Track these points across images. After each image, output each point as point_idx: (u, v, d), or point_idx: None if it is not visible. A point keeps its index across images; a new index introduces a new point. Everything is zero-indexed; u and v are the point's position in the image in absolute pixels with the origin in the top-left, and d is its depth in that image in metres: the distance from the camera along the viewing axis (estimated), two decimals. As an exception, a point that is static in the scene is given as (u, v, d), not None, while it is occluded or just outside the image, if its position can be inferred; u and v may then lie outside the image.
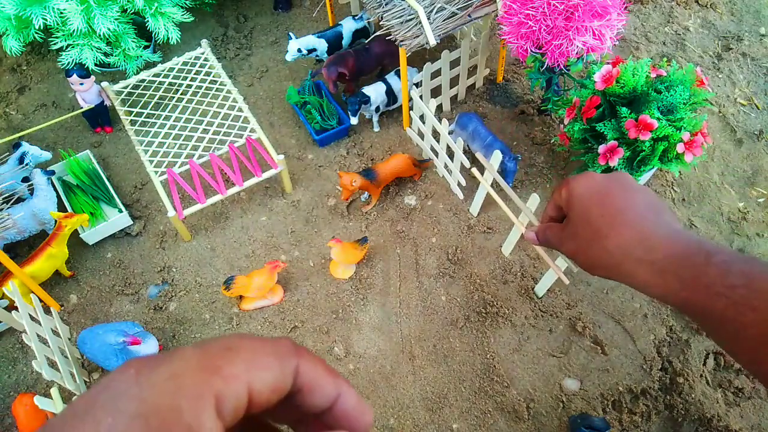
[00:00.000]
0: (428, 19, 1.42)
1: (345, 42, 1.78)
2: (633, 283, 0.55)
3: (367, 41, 1.77)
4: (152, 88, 1.71)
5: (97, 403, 0.26)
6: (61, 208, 1.57)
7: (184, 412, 0.26)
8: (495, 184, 1.41)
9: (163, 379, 0.27)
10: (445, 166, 1.61)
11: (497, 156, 1.38)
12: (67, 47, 1.66)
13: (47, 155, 1.60)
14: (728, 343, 0.49)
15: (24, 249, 1.57)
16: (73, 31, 1.59)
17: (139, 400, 0.26)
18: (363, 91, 1.65)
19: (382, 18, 1.47)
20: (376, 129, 1.77)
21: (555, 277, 1.33)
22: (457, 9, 1.45)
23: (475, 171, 1.43)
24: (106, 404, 0.26)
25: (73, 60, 1.63)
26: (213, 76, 1.72)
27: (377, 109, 1.70)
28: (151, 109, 1.66)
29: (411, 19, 1.43)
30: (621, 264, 0.55)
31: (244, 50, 1.99)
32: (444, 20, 1.44)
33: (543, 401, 1.33)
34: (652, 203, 0.58)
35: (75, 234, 1.52)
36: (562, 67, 1.40)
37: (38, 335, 1.27)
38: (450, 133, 1.60)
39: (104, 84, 1.68)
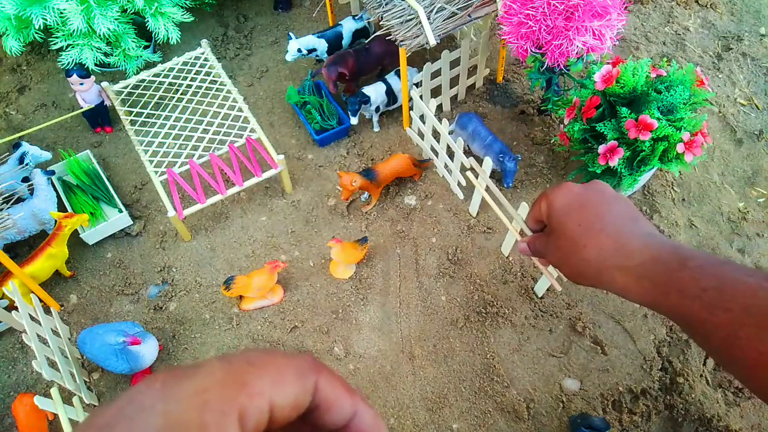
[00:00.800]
0: (428, 19, 1.42)
1: (345, 42, 1.78)
2: (612, 289, 0.57)
3: (367, 41, 1.77)
4: (152, 88, 1.71)
5: (123, 416, 0.26)
6: (61, 208, 1.57)
7: (210, 428, 0.26)
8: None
9: (189, 394, 0.27)
10: (445, 166, 1.61)
11: (488, 162, 1.39)
12: (67, 47, 1.66)
13: (47, 155, 1.60)
14: (704, 343, 0.50)
15: (24, 249, 1.57)
16: (73, 31, 1.59)
17: (165, 415, 0.26)
18: (363, 91, 1.65)
19: (382, 18, 1.47)
20: (376, 129, 1.77)
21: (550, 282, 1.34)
22: (457, 9, 1.45)
23: (470, 175, 1.43)
24: (132, 418, 0.26)
25: (73, 60, 1.63)
26: (213, 76, 1.72)
27: (377, 109, 1.70)
28: (151, 109, 1.66)
29: (411, 19, 1.43)
30: (600, 272, 0.57)
31: (244, 50, 1.99)
32: (444, 20, 1.44)
33: (543, 401, 1.33)
34: (628, 211, 0.59)
35: (75, 234, 1.52)
36: (562, 67, 1.40)
37: (38, 335, 1.27)
38: (450, 133, 1.60)
39: (104, 84, 1.69)
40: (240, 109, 1.65)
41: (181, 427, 0.26)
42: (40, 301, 1.39)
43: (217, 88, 1.70)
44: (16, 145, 1.56)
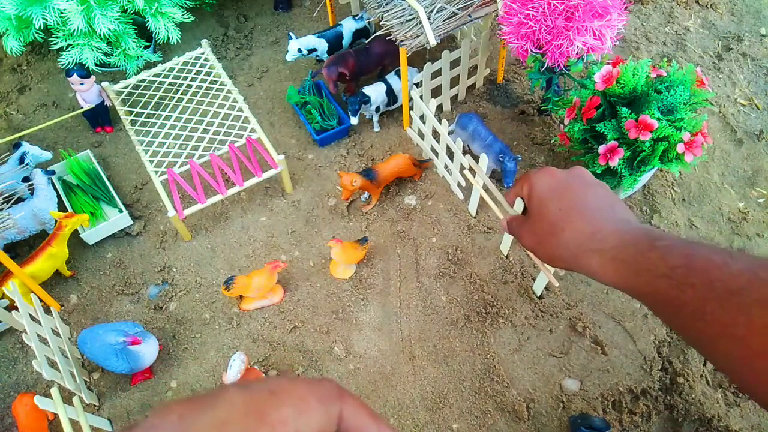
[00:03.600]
0: (428, 19, 1.42)
1: (345, 42, 1.78)
2: (588, 272, 0.58)
3: (367, 41, 1.77)
4: (152, 88, 1.71)
5: None
6: (61, 208, 1.57)
7: None
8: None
9: (208, 428, 0.26)
10: (445, 166, 1.61)
11: (485, 159, 1.39)
12: (67, 47, 1.66)
13: (47, 155, 1.60)
14: (673, 321, 0.52)
15: (24, 249, 1.57)
16: (74, 31, 1.59)
17: None
18: (363, 91, 1.65)
19: (382, 18, 1.47)
20: (376, 129, 1.77)
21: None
22: (457, 9, 1.45)
23: (467, 174, 1.43)
24: None
25: (73, 60, 1.63)
26: (213, 76, 1.72)
27: (377, 109, 1.70)
28: (151, 109, 1.66)
29: (411, 19, 1.43)
30: (577, 255, 0.58)
31: (244, 50, 1.99)
32: (444, 20, 1.44)
33: (543, 401, 1.33)
34: (606, 198, 0.62)
35: (75, 234, 1.52)
36: (562, 67, 1.40)
37: (38, 335, 1.27)
38: (450, 133, 1.60)
39: (104, 84, 1.69)
40: (240, 109, 1.65)
41: None
42: (40, 301, 1.39)
43: (217, 88, 1.70)
44: (17, 145, 1.56)
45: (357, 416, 0.31)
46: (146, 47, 1.86)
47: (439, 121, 1.51)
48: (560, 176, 0.64)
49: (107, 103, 1.72)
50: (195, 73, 1.74)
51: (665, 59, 1.76)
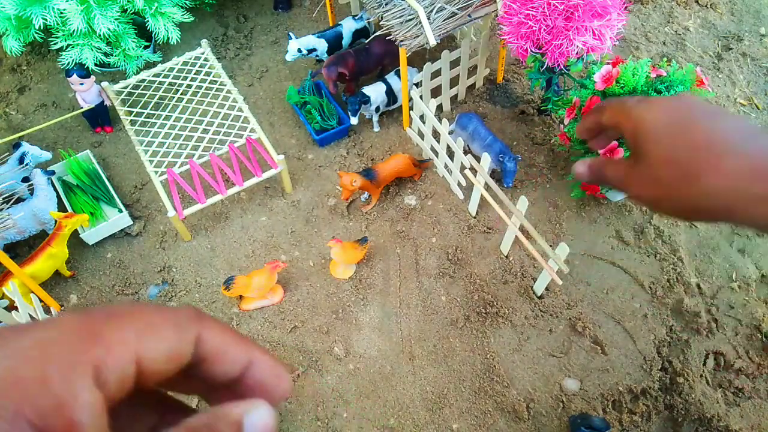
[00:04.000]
0: (428, 19, 1.42)
1: (345, 42, 1.78)
2: (753, 224, 0.46)
3: (367, 41, 1.77)
4: (152, 88, 1.71)
5: None
6: (61, 208, 1.57)
7: (53, 383, 0.23)
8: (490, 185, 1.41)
9: (28, 347, 0.24)
10: (445, 166, 1.61)
11: (486, 158, 1.39)
12: (67, 47, 1.66)
13: (47, 155, 1.60)
14: None
15: (24, 249, 1.57)
16: (73, 31, 1.59)
17: None
18: (363, 91, 1.65)
19: (382, 18, 1.47)
20: (376, 129, 1.77)
21: (551, 277, 1.34)
22: (457, 9, 1.45)
23: (469, 173, 1.44)
24: None
25: (73, 60, 1.63)
26: (213, 76, 1.72)
27: (377, 109, 1.70)
28: (151, 109, 1.66)
29: (411, 19, 1.43)
30: (732, 205, 0.45)
31: (244, 50, 1.99)
32: (444, 20, 1.44)
33: (543, 401, 1.33)
34: (745, 125, 0.48)
35: (75, 234, 1.52)
36: (562, 67, 1.40)
37: (38, 335, 1.26)
38: (450, 133, 1.60)
39: (104, 84, 1.68)
40: (240, 109, 1.65)
41: (15, 384, 0.22)
42: (40, 301, 1.39)
43: (217, 88, 1.70)
44: (16, 145, 1.56)
45: (219, 339, 0.29)
46: (146, 47, 1.86)
47: (439, 121, 1.52)
48: (677, 108, 0.50)
49: (107, 103, 1.72)
50: (195, 73, 1.74)
51: (665, 59, 1.76)
